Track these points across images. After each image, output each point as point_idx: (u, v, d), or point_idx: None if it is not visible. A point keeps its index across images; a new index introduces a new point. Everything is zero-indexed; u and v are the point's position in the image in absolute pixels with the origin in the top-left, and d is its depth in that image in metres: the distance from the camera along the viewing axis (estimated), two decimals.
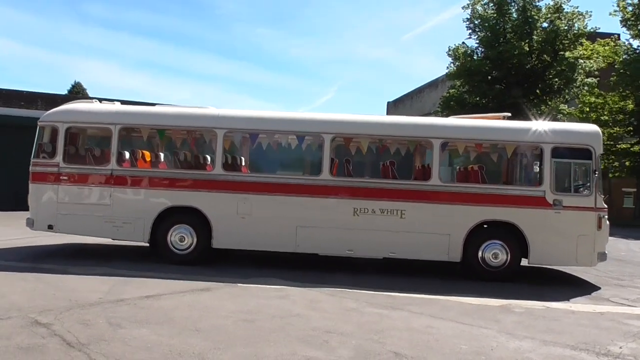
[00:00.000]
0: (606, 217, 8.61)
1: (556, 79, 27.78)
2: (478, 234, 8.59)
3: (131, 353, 4.55)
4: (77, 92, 60.11)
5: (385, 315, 6.25)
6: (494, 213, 8.57)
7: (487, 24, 28.24)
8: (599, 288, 8.62)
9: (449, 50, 28.91)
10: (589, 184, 8.57)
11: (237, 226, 8.76)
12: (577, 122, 29.05)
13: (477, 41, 29.17)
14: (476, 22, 28.99)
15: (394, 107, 51.90)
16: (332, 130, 8.83)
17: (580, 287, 8.58)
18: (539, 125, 8.90)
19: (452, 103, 29.01)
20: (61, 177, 8.89)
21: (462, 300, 7.18)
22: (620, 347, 5.40)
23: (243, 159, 9.68)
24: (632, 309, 7.20)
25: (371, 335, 5.41)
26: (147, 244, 9.01)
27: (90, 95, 51.96)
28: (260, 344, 4.97)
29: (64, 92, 55.49)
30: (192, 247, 8.85)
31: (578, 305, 7.27)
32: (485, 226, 8.58)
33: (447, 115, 27.69)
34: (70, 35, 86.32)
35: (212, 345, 4.84)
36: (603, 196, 8.72)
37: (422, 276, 8.91)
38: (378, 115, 9.12)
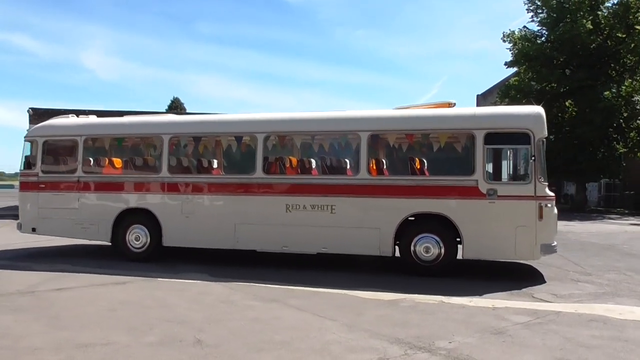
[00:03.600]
0: (551, 205, 7.93)
1: (629, 57, 25.08)
2: (410, 228, 8.35)
3: None
4: (175, 107, 65.20)
5: (250, 307, 6.42)
6: (423, 205, 8.27)
7: (548, 4, 26.28)
8: (544, 282, 7.96)
9: (504, 35, 27.16)
10: (527, 171, 7.97)
11: (182, 225, 9.33)
12: None
13: (539, 24, 27.22)
14: (537, 3, 27.10)
15: (482, 99, 49.90)
16: (264, 130, 9.08)
17: (523, 281, 7.93)
18: (473, 111, 8.44)
19: (512, 92, 27.28)
20: (40, 185, 10.10)
21: (356, 295, 7.08)
22: (450, 342, 5.11)
23: (187, 161, 10.20)
24: (540, 304, 6.62)
25: (204, 324, 5.65)
26: (110, 243, 9.91)
27: (189, 109, 56.16)
28: (88, 329, 5.46)
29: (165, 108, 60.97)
30: (146, 245, 9.59)
31: (483, 300, 6.81)
32: (414, 219, 8.32)
33: (508, 104, 26.12)
34: (183, 52, 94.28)
35: (43, 330, 5.42)
36: (546, 183, 8.04)
37: (376, 273, 8.75)
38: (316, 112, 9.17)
